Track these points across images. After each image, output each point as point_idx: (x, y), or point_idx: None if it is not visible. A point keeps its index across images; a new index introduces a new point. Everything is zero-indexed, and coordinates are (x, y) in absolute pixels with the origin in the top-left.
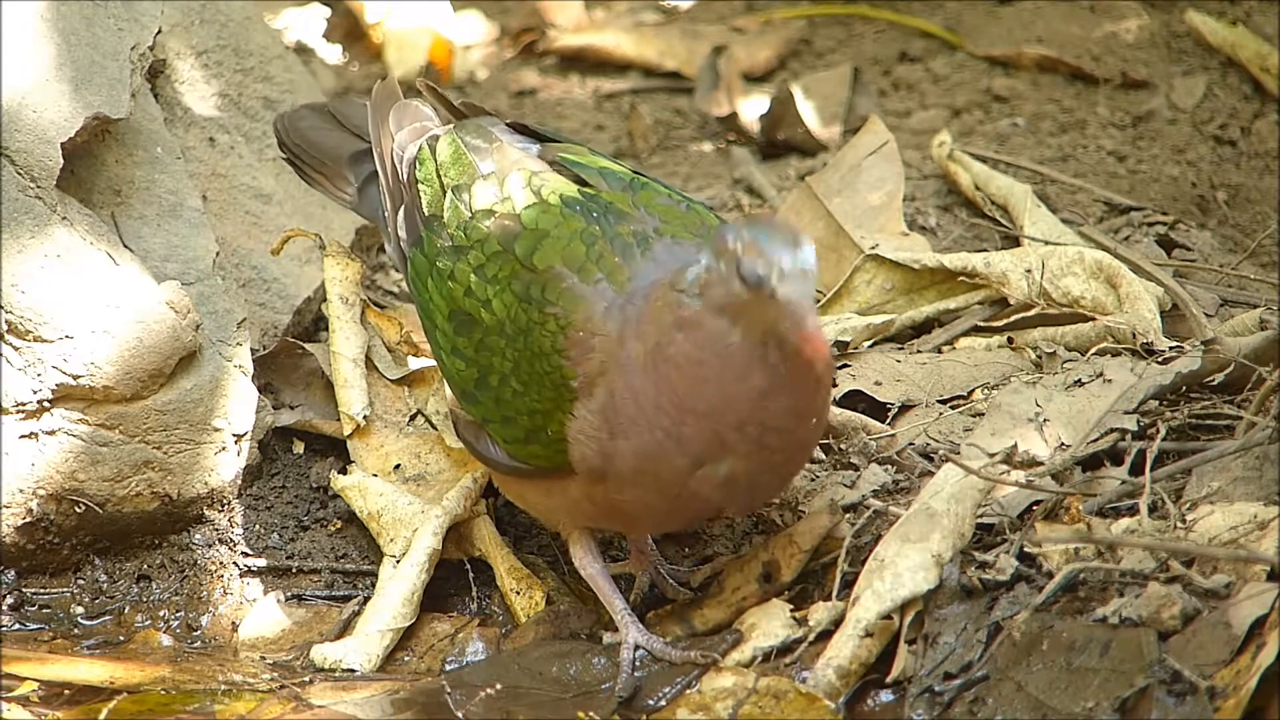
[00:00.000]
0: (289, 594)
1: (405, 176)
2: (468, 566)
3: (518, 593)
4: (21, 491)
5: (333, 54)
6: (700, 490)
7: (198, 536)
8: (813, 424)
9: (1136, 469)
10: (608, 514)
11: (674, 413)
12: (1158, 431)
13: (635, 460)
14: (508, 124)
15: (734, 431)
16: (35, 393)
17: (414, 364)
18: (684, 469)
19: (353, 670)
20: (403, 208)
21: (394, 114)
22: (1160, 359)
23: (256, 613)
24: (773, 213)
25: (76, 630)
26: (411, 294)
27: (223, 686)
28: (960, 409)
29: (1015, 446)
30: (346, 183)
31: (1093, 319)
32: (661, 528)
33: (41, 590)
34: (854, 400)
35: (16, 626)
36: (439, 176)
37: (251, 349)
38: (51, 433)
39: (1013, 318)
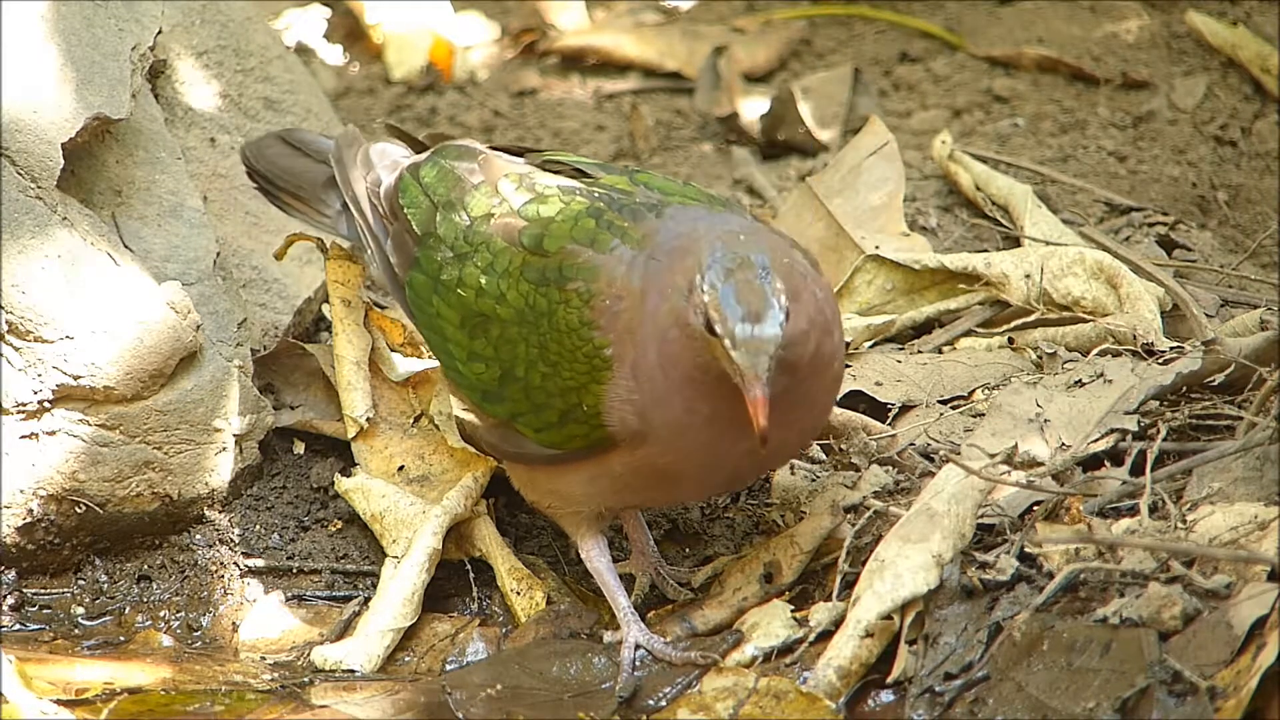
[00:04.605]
0: (289, 594)
1: (387, 209)
2: (468, 567)
3: (518, 593)
4: (22, 492)
5: (333, 54)
6: (726, 456)
7: (198, 537)
8: (794, 444)
9: (1137, 469)
10: (654, 481)
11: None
12: (1158, 432)
13: (664, 425)
14: (487, 146)
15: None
16: (36, 393)
17: (416, 366)
18: (706, 439)
19: (353, 671)
20: (391, 236)
21: (362, 157)
22: (1161, 359)
23: (257, 613)
24: (756, 259)
25: (77, 631)
26: (412, 315)
27: (223, 687)
28: (961, 409)
29: (1016, 447)
30: (326, 205)
31: (1093, 320)
32: (705, 490)
33: (42, 590)
34: (855, 400)
35: (17, 627)
36: (427, 196)
37: (252, 349)
38: (52, 433)
39: (1014, 322)
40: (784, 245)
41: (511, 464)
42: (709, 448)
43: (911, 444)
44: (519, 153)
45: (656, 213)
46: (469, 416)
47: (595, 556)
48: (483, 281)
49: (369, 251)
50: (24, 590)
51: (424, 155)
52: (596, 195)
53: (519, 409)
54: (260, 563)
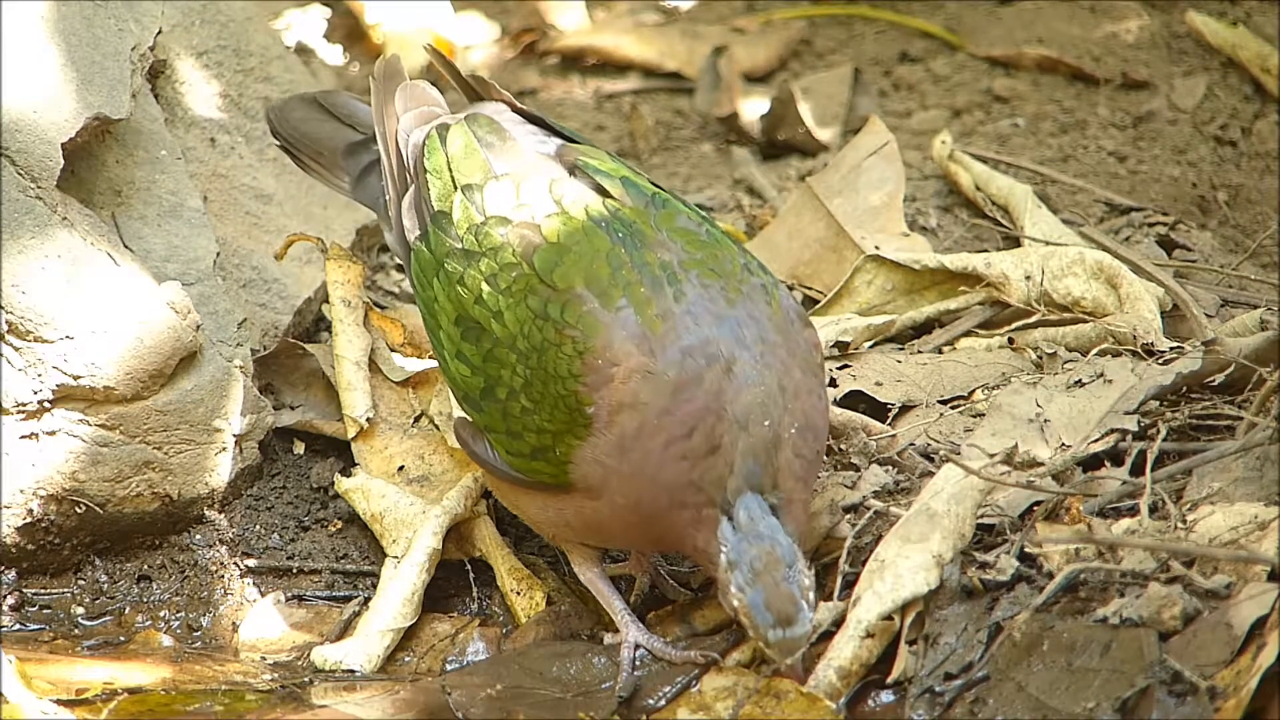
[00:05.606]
0: (289, 594)
1: (411, 163)
2: (468, 567)
3: (518, 593)
4: (22, 492)
5: (333, 54)
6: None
7: (198, 537)
8: None
9: (1137, 469)
10: (594, 529)
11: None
12: (1158, 432)
13: (623, 498)
14: (520, 112)
15: None
16: (36, 393)
17: (416, 366)
18: (659, 528)
19: (353, 671)
20: (408, 196)
21: (399, 94)
22: (1161, 359)
23: (257, 613)
24: (782, 552)
25: (77, 631)
26: (413, 287)
27: (223, 687)
28: (961, 409)
29: (1016, 447)
30: (343, 172)
31: (1093, 320)
32: (641, 547)
33: (42, 591)
34: (854, 400)
35: (17, 627)
36: (449, 170)
37: (252, 349)
38: (52, 433)
39: (1014, 323)
40: (792, 362)
41: (480, 466)
42: (659, 535)
43: (911, 444)
44: (550, 130)
45: (676, 292)
46: (454, 407)
47: (587, 567)
48: (484, 290)
49: (385, 199)
50: (24, 590)
51: (457, 116)
52: (620, 236)
53: (494, 425)
54: (260, 563)
